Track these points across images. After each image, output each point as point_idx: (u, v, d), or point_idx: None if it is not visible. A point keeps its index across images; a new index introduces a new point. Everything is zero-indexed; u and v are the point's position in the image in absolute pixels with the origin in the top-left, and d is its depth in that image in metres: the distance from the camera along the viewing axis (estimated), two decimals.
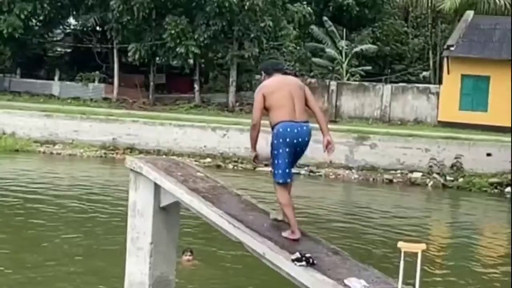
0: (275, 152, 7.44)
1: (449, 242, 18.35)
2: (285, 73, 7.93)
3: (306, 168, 28.75)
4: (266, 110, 7.49)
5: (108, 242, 14.41)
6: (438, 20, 45.26)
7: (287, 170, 7.44)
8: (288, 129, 7.35)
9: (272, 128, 7.49)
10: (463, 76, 35.13)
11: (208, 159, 29.45)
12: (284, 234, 7.69)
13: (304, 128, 7.50)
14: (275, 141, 7.43)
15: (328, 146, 7.81)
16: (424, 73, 43.68)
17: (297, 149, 7.49)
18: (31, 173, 24.80)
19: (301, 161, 29.85)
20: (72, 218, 17.22)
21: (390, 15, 44.45)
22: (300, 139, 7.45)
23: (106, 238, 14.90)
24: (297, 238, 7.55)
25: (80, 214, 17.74)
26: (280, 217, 7.98)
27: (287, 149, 7.37)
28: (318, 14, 41.35)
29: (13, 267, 12.34)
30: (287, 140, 7.36)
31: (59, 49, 48.80)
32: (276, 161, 7.47)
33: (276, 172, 7.48)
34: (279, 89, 7.43)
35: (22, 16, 38.49)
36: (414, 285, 6.68)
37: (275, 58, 40.92)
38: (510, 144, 26.66)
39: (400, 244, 6.69)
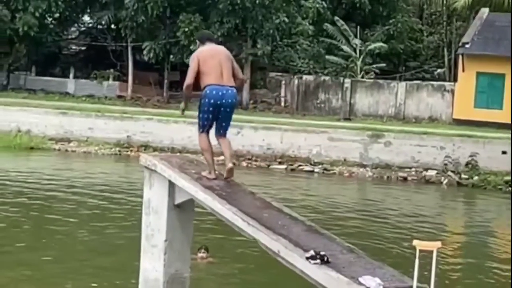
0: (200, 108, 8.67)
1: (464, 240, 18.27)
2: (218, 44, 9.04)
3: (320, 166, 28.72)
4: (198, 74, 8.54)
5: (123, 239, 14.46)
6: (453, 18, 45.07)
7: (205, 123, 8.75)
8: (214, 92, 8.47)
9: (202, 90, 8.61)
10: (478, 73, 34.97)
11: (222, 157, 29.40)
12: (204, 173, 8.94)
13: (229, 91, 8.56)
14: (202, 101, 8.59)
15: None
16: (439, 70, 43.52)
17: (222, 109, 8.59)
18: (46, 170, 24.91)
19: (316, 159, 29.66)
20: (87, 215, 17.29)
21: (404, 12, 44.30)
22: (224, 101, 8.54)
23: (121, 235, 14.95)
24: (213, 178, 8.83)
25: (95, 211, 17.81)
26: (211, 176, 8.91)
27: (211, 108, 8.55)
28: (331, 12, 41.27)
29: (25, 262, 12.40)
30: (212, 101, 8.51)
31: (74, 47, 49.04)
32: (200, 115, 8.73)
33: (199, 123, 8.82)
34: (211, 57, 8.54)
35: (37, 14, 38.70)
36: (429, 283, 6.66)
37: (290, 55, 40.96)
38: None
39: (415, 242, 6.66)
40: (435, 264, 6.50)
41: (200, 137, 8.99)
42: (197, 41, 9.05)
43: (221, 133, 9.03)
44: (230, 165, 8.96)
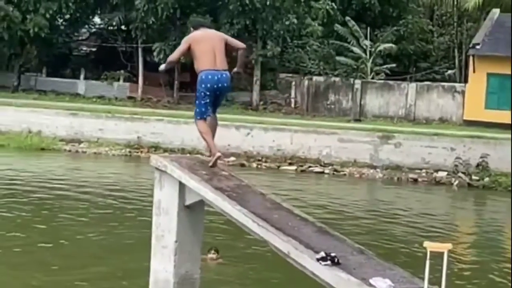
0: (198, 94, 8.96)
1: (475, 242, 18.20)
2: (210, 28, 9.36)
3: (330, 167, 28.69)
4: (192, 58, 8.95)
5: (133, 239, 14.49)
6: (464, 19, 44.91)
7: (203, 109, 9.01)
8: (210, 76, 8.77)
9: (197, 75, 8.95)
10: (488, 74, 34.86)
11: (232, 158, 29.47)
12: (210, 160, 9.27)
13: (224, 75, 8.88)
14: (199, 87, 8.91)
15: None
16: (450, 71, 43.36)
17: (217, 93, 8.97)
18: (57, 171, 25.01)
19: (326, 160, 29.67)
20: (97, 215, 17.33)
21: (415, 13, 44.19)
22: (219, 85, 8.87)
23: (131, 235, 14.98)
24: (219, 155, 9.19)
25: (105, 211, 17.86)
26: (213, 155, 9.28)
27: (208, 93, 8.85)
28: (341, 13, 41.24)
29: (36, 262, 12.46)
30: (208, 85, 8.82)
31: (84, 48, 49.20)
32: (198, 102, 9.02)
33: (197, 110, 9.09)
34: (203, 40, 8.82)
35: (48, 16, 38.85)
36: (440, 285, 6.64)
37: (300, 56, 40.94)
38: None
39: (426, 243, 6.64)
40: (446, 265, 6.48)
41: (199, 123, 9.23)
42: (191, 28, 9.31)
43: (212, 112, 9.31)
44: (218, 154, 9.28)
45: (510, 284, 13.28)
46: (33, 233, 14.97)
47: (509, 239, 18.58)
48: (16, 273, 11.82)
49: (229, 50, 9.10)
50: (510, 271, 13.01)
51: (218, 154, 9.18)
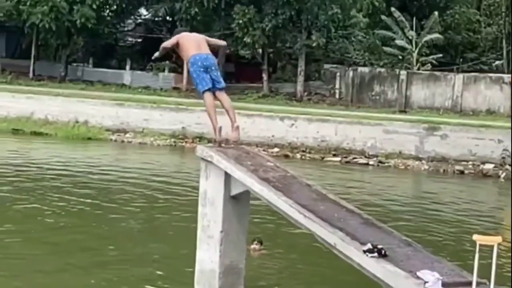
0: (194, 75, 10.23)
1: None
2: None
3: (375, 158, 28.51)
4: (179, 52, 10.43)
5: (178, 229, 14.59)
6: None
7: (204, 82, 10.14)
8: (197, 57, 10.16)
9: (187, 63, 10.41)
10: None
11: (276, 149, 29.48)
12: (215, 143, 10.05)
13: (209, 55, 10.26)
14: (192, 69, 10.21)
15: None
16: (497, 62, 42.66)
17: (208, 69, 10.14)
18: (103, 160, 25.33)
19: (371, 151, 29.42)
20: (142, 204, 17.48)
21: (462, 3, 43.54)
22: (207, 62, 10.17)
23: (176, 225, 15.09)
24: (220, 140, 10.14)
25: (150, 200, 18.00)
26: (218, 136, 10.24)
27: (201, 69, 10.10)
28: (386, 3, 40.83)
29: (81, 249, 12.64)
30: (199, 63, 10.12)
31: (130, 39, 49.61)
32: (197, 81, 10.22)
33: (199, 86, 10.21)
34: (190, 37, 10.49)
35: (95, 7, 39.26)
36: (489, 279, 6.55)
37: (345, 47, 40.67)
38: None
39: (475, 236, 6.55)
40: (495, 259, 6.38)
41: (205, 96, 10.28)
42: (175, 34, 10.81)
43: (218, 88, 10.36)
44: (236, 124, 10.30)
45: None
46: (78, 219, 15.18)
47: None
48: (59, 256, 12.06)
49: (211, 48, 10.53)
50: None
51: (220, 138, 10.11)
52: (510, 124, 29.73)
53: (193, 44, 10.29)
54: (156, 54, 11.05)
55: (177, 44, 10.45)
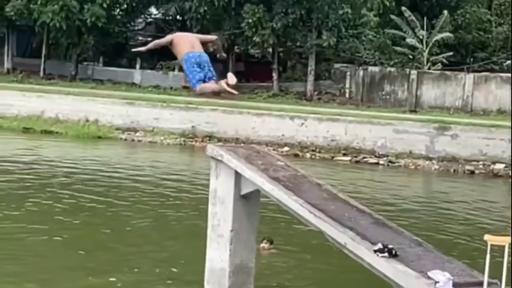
0: (187, 72, 10.29)
1: None
2: None
3: (385, 158, 28.44)
4: (173, 50, 10.52)
5: (187, 227, 14.61)
6: None
7: (197, 76, 10.07)
8: (191, 54, 10.25)
9: (181, 61, 10.46)
10: None
11: (286, 148, 29.45)
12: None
13: (202, 53, 10.37)
14: (185, 66, 10.29)
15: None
16: (508, 62, 42.41)
17: (201, 66, 10.18)
18: (113, 159, 25.38)
19: (381, 151, 29.27)
20: (152, 202, 17.51)
21: (473, 2, 43.35)
22: (199, 59, 10.23)
23: (185, 223, 15.12)
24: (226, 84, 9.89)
25: (159, 198, 18.03)
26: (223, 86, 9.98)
27: (194, 65, 10.14)
28: (397, 2, 40.71)
29: (91, 248, 12.69)
30: (192, 60, 10.21)
31: (140, 38, 49.58)
32: (189, 77, 10.20)
33: (193, 81, 10.08)
34: (183, 37, 10.63)
35: (105, 6, 39.30)
36: (500, 279, 6.52)
37: (355, 46, 40.59)
38: None
39: (486, 236, 6.53)
40: (507, 259, 6.36)
41: (202, 89, 10.24)
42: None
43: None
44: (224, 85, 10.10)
45: None
46: (88, 217, 15.23)
47: None
48: (69, 253, 12.12)
49: (204, 44, 10.75)
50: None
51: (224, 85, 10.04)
52: None
53: (187, 43, 10.55)
54: (142, 48, 11.35)
55: (171, 43, 10.69)
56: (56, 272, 11.15)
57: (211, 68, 10.45)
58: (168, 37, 10.88)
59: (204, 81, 10.25)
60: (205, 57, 10.49)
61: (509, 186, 25.81)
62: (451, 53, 39.31)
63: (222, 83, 9.83)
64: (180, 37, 10.77)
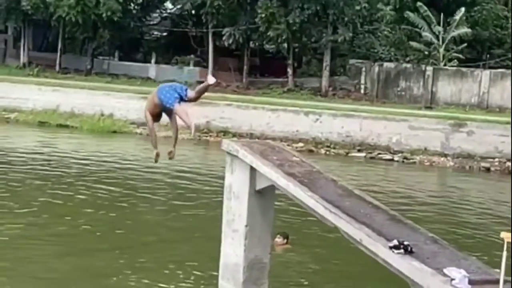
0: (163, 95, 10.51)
1: None
2: None
3: (400, 154, 28.35)
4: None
5: (202, 222, 14.62)
6: None
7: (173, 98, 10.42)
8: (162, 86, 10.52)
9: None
10: None
11: (301, 144, 29.42)
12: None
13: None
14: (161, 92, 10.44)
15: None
16: None
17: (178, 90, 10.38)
18: (128, 153, 25.45)
19: (396, 147, 29.17)
20: (167, 197, 17.55)
21: None
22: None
23: (199, 218, 15.14)
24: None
25: (175, 193, 18.06)
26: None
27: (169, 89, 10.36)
28: None
29: (107, 242, 12.75)
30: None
31: (155, 33, 49.74)
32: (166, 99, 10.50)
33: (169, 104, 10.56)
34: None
35: (121, 0, 39.39)
36: None
37: (370, 42, 40.42)
38: None
39: (503, 234, 6.48)
40: None
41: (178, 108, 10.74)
42: None
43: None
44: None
45: None
46: (104, 211, 15.29)
47: None
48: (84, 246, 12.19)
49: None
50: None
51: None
52: None
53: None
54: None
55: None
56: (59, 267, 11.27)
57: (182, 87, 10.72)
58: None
59: (182, 99, 10.61)
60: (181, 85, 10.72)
61: None
62: (467, 48, 39.02)
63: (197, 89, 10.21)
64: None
